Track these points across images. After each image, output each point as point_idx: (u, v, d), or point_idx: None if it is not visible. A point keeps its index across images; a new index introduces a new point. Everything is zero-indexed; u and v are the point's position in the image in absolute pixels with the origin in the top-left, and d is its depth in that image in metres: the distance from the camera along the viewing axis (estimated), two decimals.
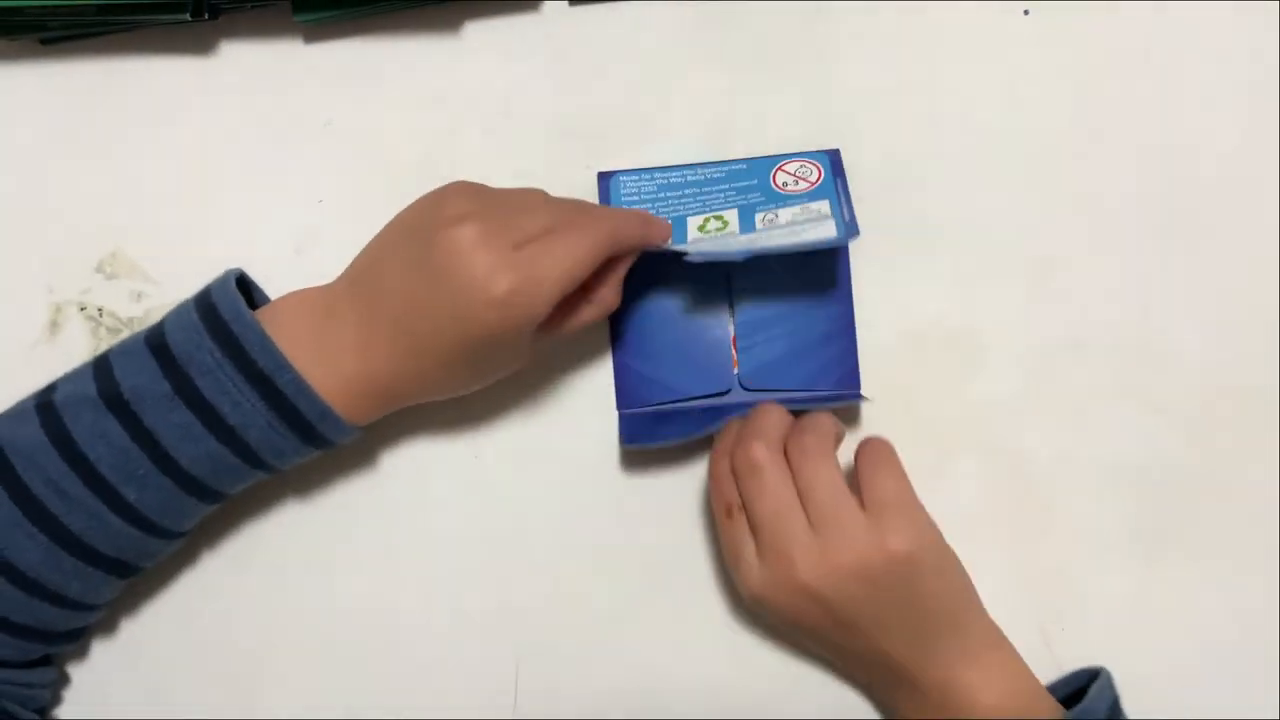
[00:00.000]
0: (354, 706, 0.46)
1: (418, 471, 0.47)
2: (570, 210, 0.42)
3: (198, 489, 0.41)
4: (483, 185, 0.42)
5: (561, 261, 0.39)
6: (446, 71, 0.49)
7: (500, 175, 0.44)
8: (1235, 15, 0.49)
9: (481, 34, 0.49)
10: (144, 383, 0.39)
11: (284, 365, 0.39)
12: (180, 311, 0.41)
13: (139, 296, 0.48)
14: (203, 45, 0.49)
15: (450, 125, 0.49)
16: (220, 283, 0.41)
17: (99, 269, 0.48)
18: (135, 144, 0.49)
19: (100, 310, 0.48)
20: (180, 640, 0.46)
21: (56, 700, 0.45)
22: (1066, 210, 0.48)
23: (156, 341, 0.40)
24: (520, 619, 0.47)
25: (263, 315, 0.41)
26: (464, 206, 0.40)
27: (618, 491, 0.47)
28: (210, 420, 0.39)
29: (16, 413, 0.41)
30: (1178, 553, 0.45)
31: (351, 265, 0.43)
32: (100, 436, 0.39)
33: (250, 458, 0.41)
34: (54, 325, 0.48)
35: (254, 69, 0.49)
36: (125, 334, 0.48)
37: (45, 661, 0.43)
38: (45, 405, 0.40)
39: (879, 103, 0.49)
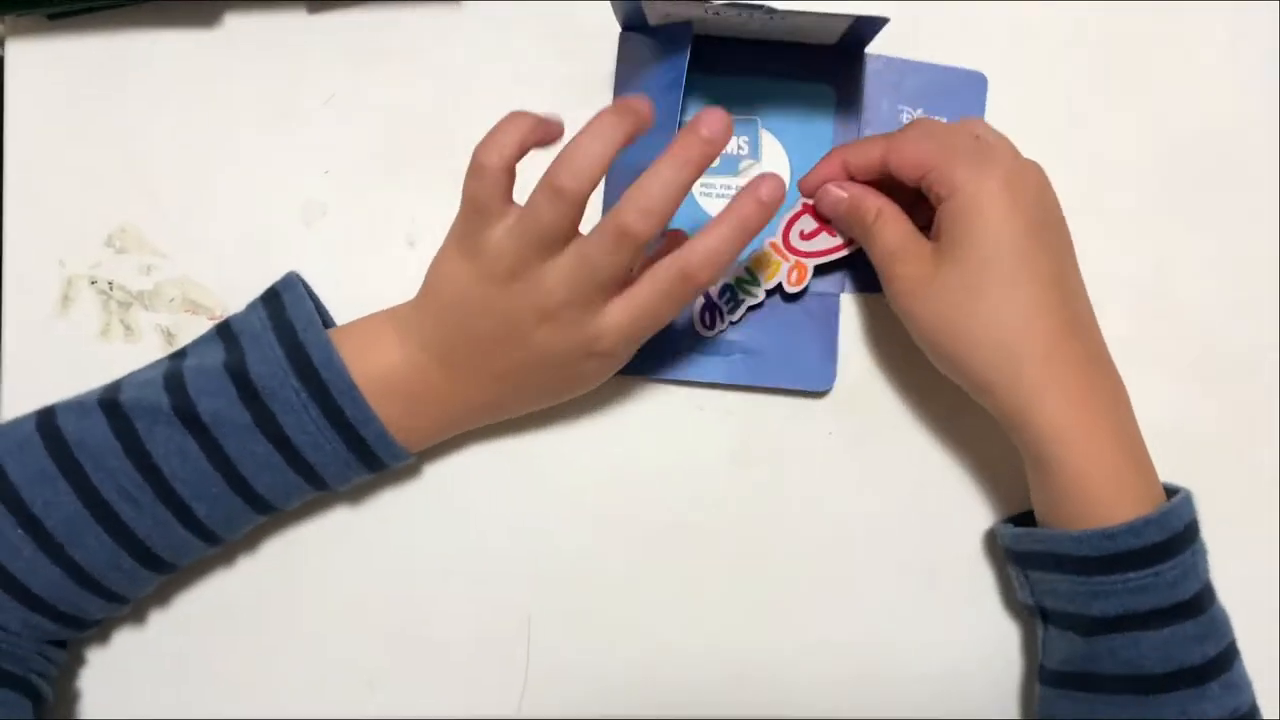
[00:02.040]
0: (365, 668, 0.46)
1: (434, 454, 0.47)
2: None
3: (265, 507, 0.42)
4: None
5: (646, 320, 0.40)
6: (451, 41, 0.49)
7: None
8: None
9: (486, 2, 0.49)
10: (222, 408, 0.39)
11: (371, 418, 0.40)
12: (257, 333, 0.41)
13: (149, 270, 0.48)
14: (208, 18, 0.49)
15: (457, 94, 0.49)
16: (305, 316, 0.41)
17: (109, 243, 0.48)
18: (142, 118, 0.49)
19: (111, 284, 0.48)
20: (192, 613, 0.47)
21: (74, 686, 0.46)
22: (1077, 170, 0.48)
23: (236, 366, 0.40)
24: (532, 586, 0.47)
25: (342, 345, 0.40)
26: (542, 320, 0.39)
27: (630, 453, 0.47)
28: (290, 455, 0.40)
29: (82, 407, 0.40)
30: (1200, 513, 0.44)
31: (429, 297, 0.42)
32: (177, 453, 0.39)
33: (321, 485, 0.42)
34: (66, 299, 0.48)
35: (260, 41, 0.49)
36: (135, 308, 0.48)
37: (62, 644, 0.43)
38: (112, 405, 0.40)
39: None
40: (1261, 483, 0.47)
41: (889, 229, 0.41)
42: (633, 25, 0.46)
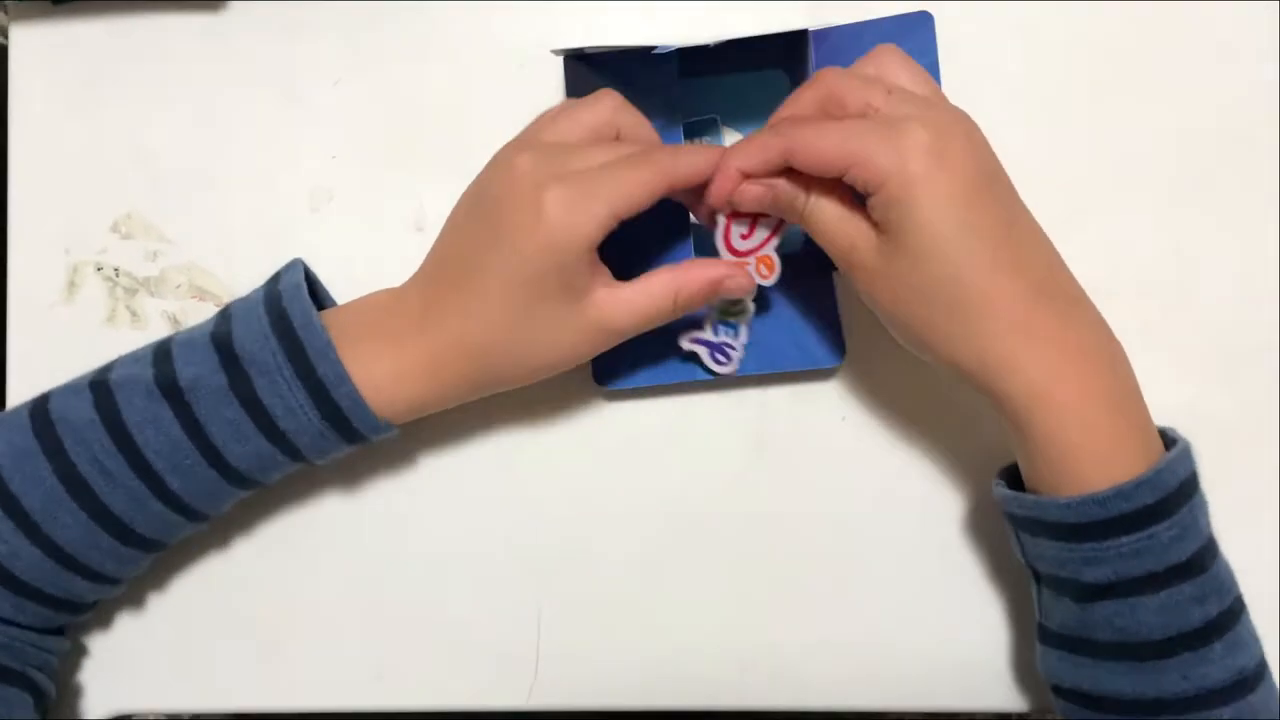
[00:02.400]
0: (373, 658, 0.46)
1: (434, 428, 0.46)
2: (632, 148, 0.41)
3: (240, 480, 0.41)
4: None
5: (617, 183, 0.38)
6: (461, 24, 0.48)
7: (516, 126, 0.43)
8: None
9: None
10: (202, 373, 0.39)
11: (343, 378, 0.39)
12: (249, 306, 0.41)
13: (154, 256, 0.48)
14: (214, 1, 0.48)
15: (466, 78, 0.48)
16: (293, 285, 0.41)
17: (115, 229, 0.48)
18: (148, 104, 0.48)
19: (116, 270, 0.48)
20: (202, 603, 0.46)
21: (74, 674, 0.46)
22: (1090, 157, 0.47)
23: (221, 333, 0.40)
24: (541, 573, 0.46)
25: (330, 318, 0.40)
26: (522, 150, 0.40)
27: (634, 441, 0.47)
28: (262, 421, 0.39)
29: (73, 387, 0.40)
30: (1215, 505, 0.44)
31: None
32: (151, 422, 0.39)
33: (296, 456, 0.41)
34: (72, 285, 0.48)
35: (266, 23, 0.48)
36: (141, 294, 0.47)
37: (60, 631, 0.43)
38: (100, 383, 0.40)
39: None
40: (1275, 474, 0.46)
41: (824, 219, 0.39)
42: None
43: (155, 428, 0.39)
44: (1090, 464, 0.36)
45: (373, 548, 0.47)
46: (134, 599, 0.46)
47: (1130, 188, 0.47)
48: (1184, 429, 0.39)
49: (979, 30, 0.47)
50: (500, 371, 0.41)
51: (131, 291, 0.48)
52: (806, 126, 0.38)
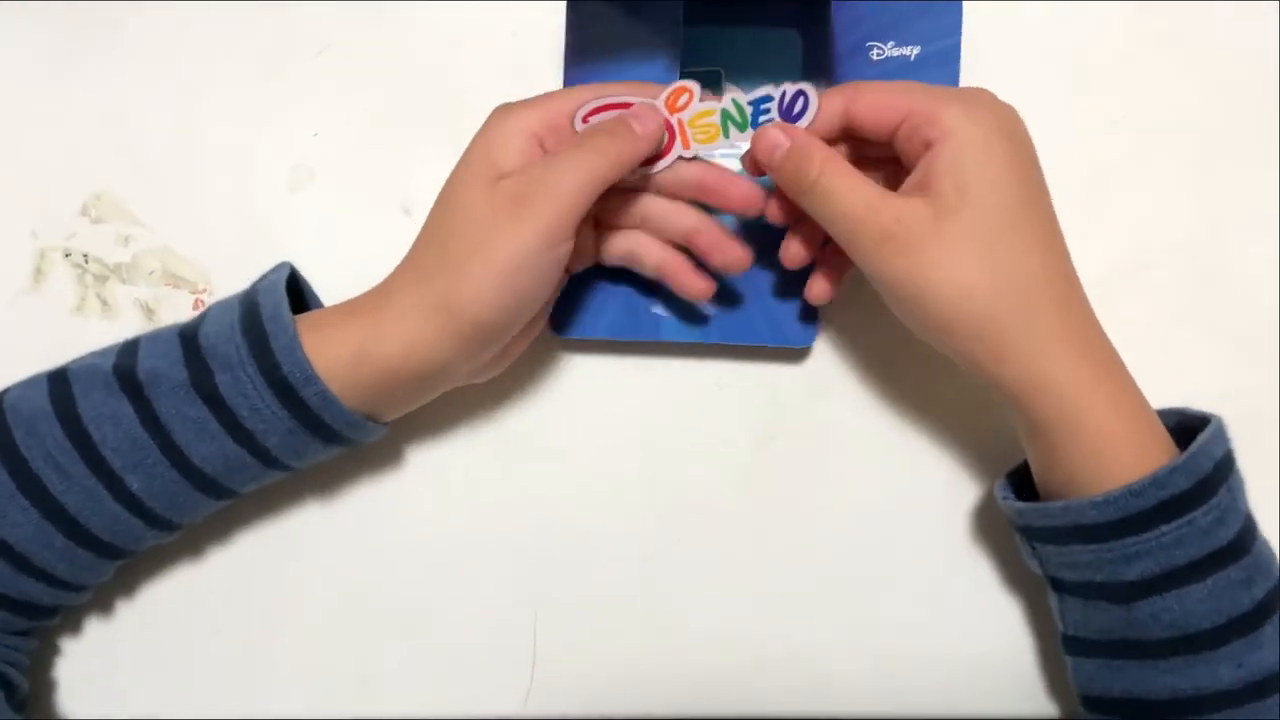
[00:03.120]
0: (367, 665, 0.44)
1: (426, 427, 0.45)
2: None
3: (208, 486, 0.39)
4: None
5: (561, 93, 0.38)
6: None
7: (509, 99, 0.41)
8: None
9: None
10: (162, 366, 0.37)
11: (311, 378, 0.37)
12: (226, 304, 0.39)
13: (126, 241, 0.45)
14: None
15: (458, 49, 0.46)
16: (271, 281, 0.39)
17: (84, 212, 0.46)
18: (118, 77, 0.46)
19: (86, 256, 0.45)
20: (182, 606, 0.44)
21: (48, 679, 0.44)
22: (1120, 129, 0.45)
23: (191, 327, 0.38)
24: (538, 576, 0.45)
25: (305, 318, 0.38)
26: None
27: (636, 437, 0.45)
28: (226, 420, 0.37)
29: (33, 378, 0.39)
30: (1253, 489, 0.42)
31: None
32: (110, 418, 0.37)
33: (267, 459, 0.39)
34: (39, 273, 0.45)
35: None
36: (112, 281, 0.45)
37: (27, 633, 0.41)
38: (58, 373, 0.38)
39: None
40: None
41: (844, 186, 0.37)
42: None
43: (114, 424, 0.37)
44: (1130, 454, 0.35)
45: (360, 550, 0.45)
46: (106, 605, 0.44)
47: (1161, 157, 0.45)
48: (1217, 407, 0.38)
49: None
50: (447, 293, 0.36)
51: (102, 279, 0.45)
52: (866, 84, 0.38)
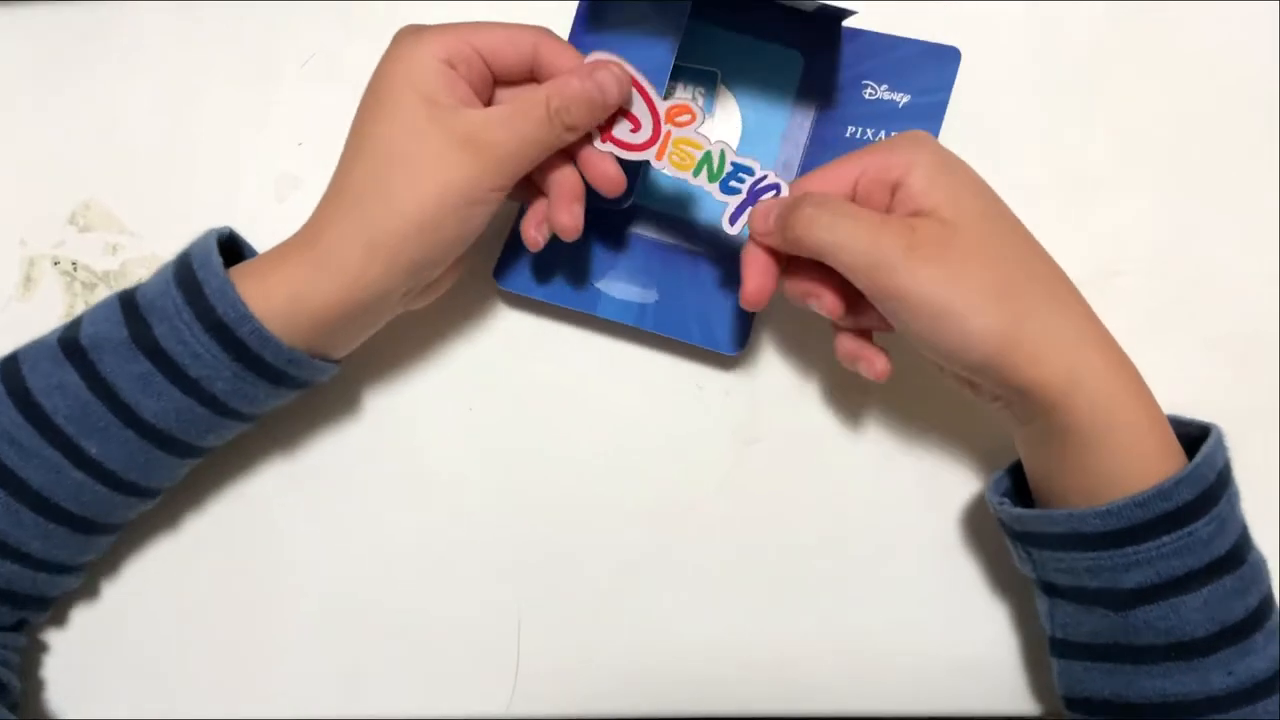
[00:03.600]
0: (350, 666, 0.44)
1: (410, 426, 0.45)
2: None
3: (166, 442, 0.38)
4: None
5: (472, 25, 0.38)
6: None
7: None
8: None
9: None
10: (104, 330, 0.37)
11: (245, 316, 0.37)
12: (165, 265, 0.39)
13: (114, 249, 0.46)
14: None
15: None
16: (203, 236, 0.39)
17: (73, 221, 0.46)
18: (106, 87, 0.46)
19: (75, 264, 0.46)
20: (167, 604, 0.44)
21: (36, 673, 0.44)
22: (1098, 136, 0.46)
23: (129, 291, 0.38)
24: (521, 577, 0.45)
25: (240, 267, 0.38)
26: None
27: (618, 439, 0.45)
28: (171, 372, 0.37)
29: None
30: None
31: None
32: (57, 387, 0.37)
33: (219, 408, 0.38)
34: (28, 281, 0.46)
35: (229, 7, 0.46)
36: (101, 289, 0.45)
37: (16, 627, 0.41)
38: (9, 357, 0.38)
39: None
40: None
41: (850, 210, 0.36)
42: None
43: (62, 393, 0.37)
44: (1152, 444, 0.36)
45: (344, 549, 0.45)
46: (92, 602, 0.44)
47: (1135, 163, 0.46)
48: (1194, 414, 0.38)
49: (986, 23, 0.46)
50: (380, 224, 0.37)
51: (90, 287, 0.46)
52: (808, 175, 0.39)
